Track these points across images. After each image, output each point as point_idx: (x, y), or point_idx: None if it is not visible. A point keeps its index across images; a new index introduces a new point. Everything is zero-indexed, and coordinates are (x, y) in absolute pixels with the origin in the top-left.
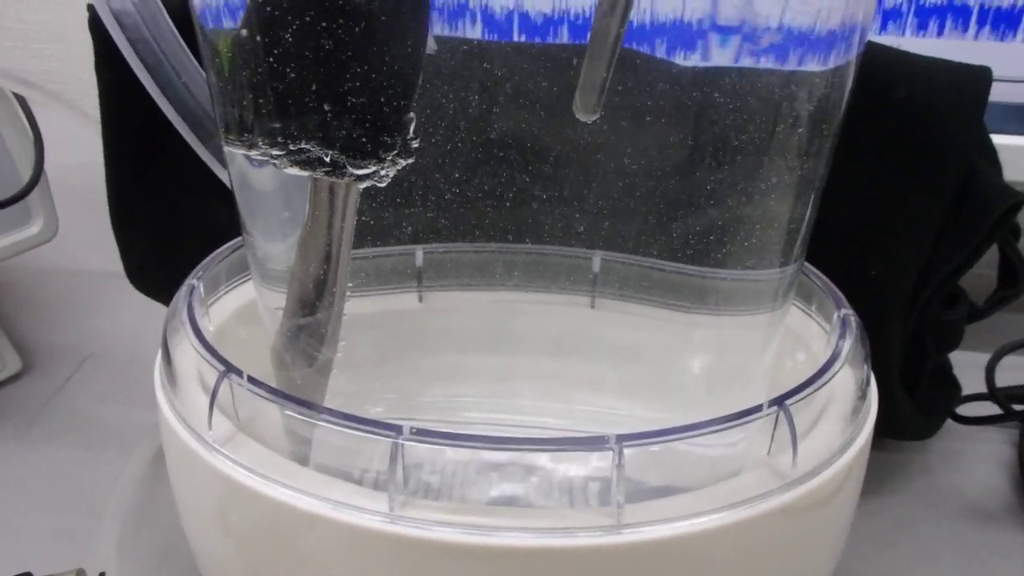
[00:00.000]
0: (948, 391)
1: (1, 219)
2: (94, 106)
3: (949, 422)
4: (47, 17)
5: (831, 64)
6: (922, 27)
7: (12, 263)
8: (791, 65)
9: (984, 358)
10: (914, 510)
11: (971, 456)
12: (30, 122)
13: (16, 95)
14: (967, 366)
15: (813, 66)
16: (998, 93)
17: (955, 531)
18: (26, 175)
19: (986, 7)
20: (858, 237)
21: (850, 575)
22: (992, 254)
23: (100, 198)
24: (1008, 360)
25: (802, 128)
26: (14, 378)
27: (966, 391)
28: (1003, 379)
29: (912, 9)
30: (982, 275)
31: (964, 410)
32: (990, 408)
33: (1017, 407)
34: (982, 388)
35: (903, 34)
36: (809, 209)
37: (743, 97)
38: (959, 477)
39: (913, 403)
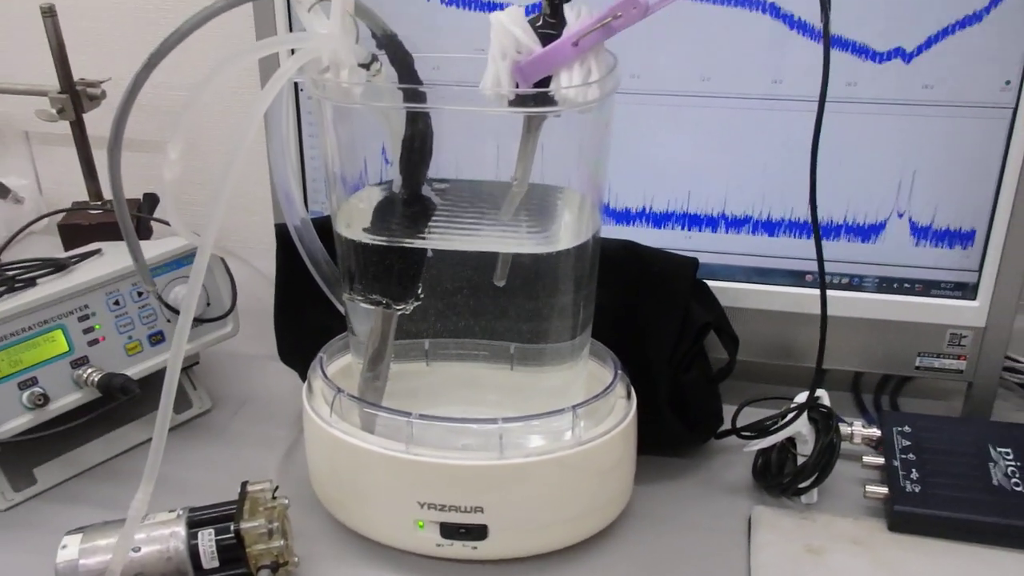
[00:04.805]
0: (714, 422)
1: (211, 325)
2: (262, 263)
3: (715, 442)
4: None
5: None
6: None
7: (212, 348)
8: (563, 247)
9: (734, 407)
10: (693, 486)
11: (734, 462)
12: (227, 270)
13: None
14: (728, 412)
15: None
16: (739, 259)
17: (714, 497)
18: (227, 301)
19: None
20: (636, 337)
21: (640, 514)
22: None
23: (262, 312)
24: (747, 410)
25: (569, 276)
26: (207, 412)
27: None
28: (745, 419)
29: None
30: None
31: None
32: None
33: (745, 433)
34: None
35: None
36: (581, 312)
37: (546, 265)
38: (726, 471)
39: (688, 427)
